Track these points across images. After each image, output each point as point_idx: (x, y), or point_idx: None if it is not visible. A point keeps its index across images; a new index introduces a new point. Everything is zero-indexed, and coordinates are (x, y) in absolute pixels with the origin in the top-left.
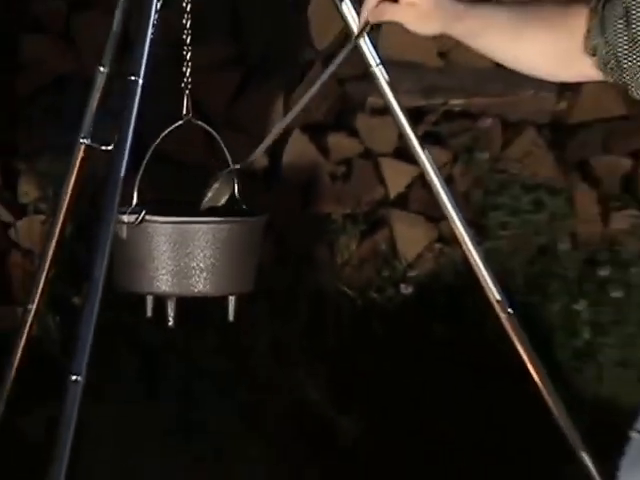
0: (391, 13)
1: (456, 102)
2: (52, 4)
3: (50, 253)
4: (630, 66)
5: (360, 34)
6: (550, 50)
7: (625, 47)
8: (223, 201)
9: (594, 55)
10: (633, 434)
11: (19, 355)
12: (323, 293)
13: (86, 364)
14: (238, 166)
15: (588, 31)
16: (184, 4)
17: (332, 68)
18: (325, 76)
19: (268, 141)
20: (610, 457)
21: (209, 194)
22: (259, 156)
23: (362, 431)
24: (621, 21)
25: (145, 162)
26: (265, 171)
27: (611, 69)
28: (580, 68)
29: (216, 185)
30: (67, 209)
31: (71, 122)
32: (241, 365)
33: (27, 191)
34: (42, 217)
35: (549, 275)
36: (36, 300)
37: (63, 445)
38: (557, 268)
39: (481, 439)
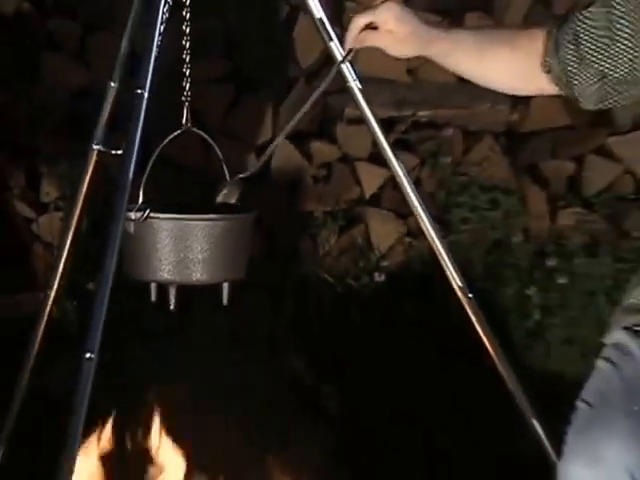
0: (372, 39)
1: (423, 113)
2: (68, 25)
3: (67, 245)
4: (579, 82)
5: (345, 58)
6: (512, 68)
7: (575, 66)
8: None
9: (549, 72)
10: (579, 404)
11: (40, 334)
12: (307, 280)
13: (98, 343)
14: (242, 175)
15: (544, 52)
16: (184, 27)
17: (322, 88)
18: (316, 95)
19: (268, 154)
20: (558, 424)
21: (219, 198)
22: (259, 168)
23: (343, 400)
24: (571, 45)
25: (150, 166)
26: (256, 174)
27: (564, 84)
28: (538, 84)
29: (225, 191)
30: (82, 207)
31: (86, 130)
32: (235, 344)
33: (48, 191)
34: (61, 214)
35: (503, 264)
36: (55, 286)
37: (79, 412)
38: (510, 258)
39: (445, 407)
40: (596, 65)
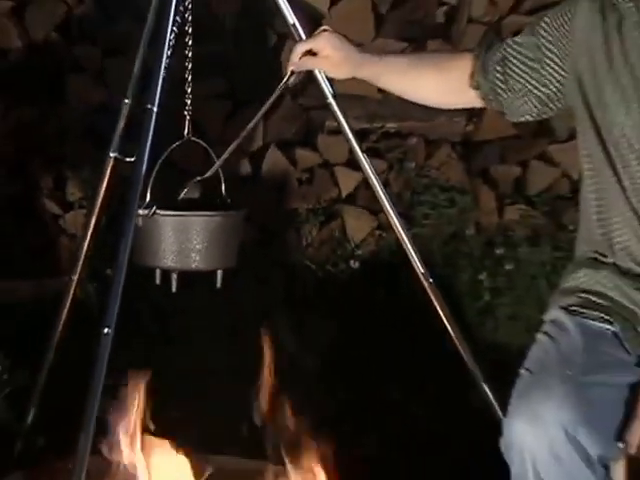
0: (311, 63)
1: (390, 125)
2: (90, 51)
3: (88, 237)
4: (505, 98)
5: (286, 81)
6: (442, 86)
7: (501, 85)
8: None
9: (477, 89)
10: (522, 371)
11: (66, 312)
12: (293, 266)
13: (115, 320)
14: (200, 178)
15: (473, 72)
16: (187, 52)
17: (267, 105)
18: (263, 111)
19: (223, 159)
20: (504, 387)
21: (182, 195)
22: (215, 170)
23: (323, 363)
24: (498, 66)
25: (156, 170)
26: (249, 176)
27: (490, 100)
28: (466, 99)
29: (187, 189)
30: (101, 205)
31: (104, 140)
32: (229, 322)
33: (73, 192)
34: (83, 211)
35: (459, 254)
36: (78, 272)
37: (97, 380)
38: (465, 248)
39: (409, 374)
40: (523, 84)
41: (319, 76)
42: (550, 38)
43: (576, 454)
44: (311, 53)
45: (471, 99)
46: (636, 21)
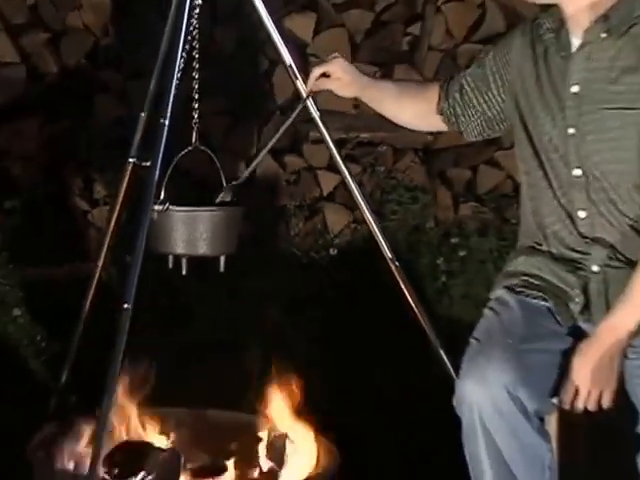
0: (325, 84)
1: (364, 136)
2: (114, 74)
3: (111, 229)
4: (462, 122)
5: (308, 97)
6: (416, 112)
7: (459, 110)
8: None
9: (441, 114)
10: (471, 340)
11: (92, 292)
12: (282, 253)
13: (133, 297)
14: (235, 182)
15: (438, 100)
16: (194, 74)
17: (291, 118)
18: (287, 123)
19: (252, 167)
20: (457, 354)
21: (219, 199)
22: (246, 177)
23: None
24: (457, 94)
25: (169, 173)
26: (248, 178)
27: (452, 123)
28: (433, 122)
29: (223, 194)
30: (122, 202)
31: (125, 148)
32: (229, 299)
33: (99, 191)
34: (107, 207)
35: (420, 242)
36: (102, 258)
37: (119, 348)
38: (425, 238)
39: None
40: (476, 109)
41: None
42: (494, 69)
43: (516, 408)
44: (325, 76)
45: (437, 123)
46: (557, 49)
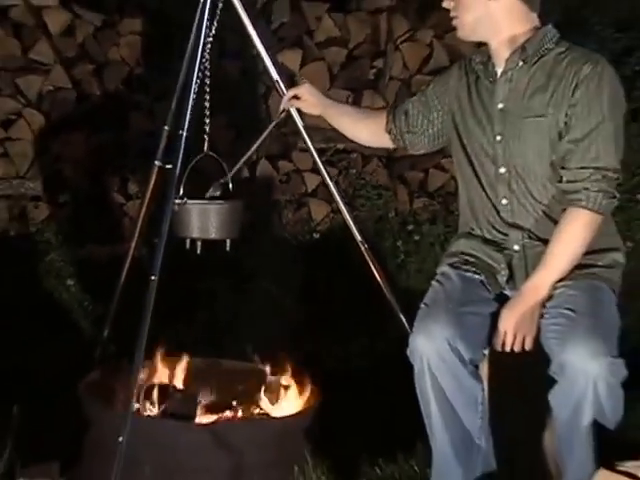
0: (295, 104)
1: (339, 145)
2: (144, 96)
3: (142, 218)
4: (407, 138)
5: (280, 115)
6: (370, 131)
7: (405, 130)
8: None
9: (390, 134)
10: (422, 305)
11: (127, 268)
12: (276, 237)
13: (158, 271)
14: (222, 180)
15: (387, 122)
16: (206, 96)
17: (269, 128)
18: (267, 132)
19: (237, 167)
20: (412, 317)
21: (210, 192)
22: (231, 176)
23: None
24: (403, 116)
25: (186, 174)
26: (248, 178)
27: (398, 140)
28: (385, 141)
29: (212, 189)
30: (150, 197)
31: (152, 154)
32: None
33: (132, 188)
34: (139, 201)
35: (384, 229)
36: (135, 240)
37: (147, 311)
38: (387, 225)
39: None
40: (419, 127)
41: (294, 114)
42: (435, 96)
43: (455, 357)
44: (296, 97)
45: (386, 141)
46: (485, 76)
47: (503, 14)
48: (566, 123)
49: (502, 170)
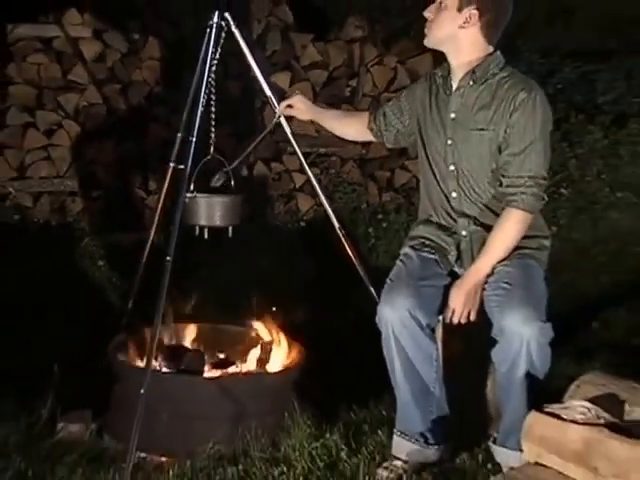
0: (289, 111)
1: (322, 150)
2: (162, 109)
3: (159, 209)
4: (385, 135)
5: (275, 121)
6: (355, 129)
7: (384, 127)
8: (219, 183)
9: (372, 131)
10: (387, 280)
11: (147, 250)
12: (269, 225)
13: (173, 253)
14: (225, 169)
15: (369, 121)
16: (212, 109)
17: (268, 130)
18: (266, 132)
19: (238, 161)
20: (380, 290)
21: (214, 180)
22: (235, 166)
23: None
24: (382, 117)
25: (195, 173)
26: (247, 177)
27: (378, 136)
28: (367, 136)
29: (217, 176)
30: (166, 192)
31: (167, 157)
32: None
33: (152, 184)
34: (157, 195)
35: (358, 218)
36: (154, 228)
37: (163, 286)
38: (361, 215)
39: (328, 283)
40: (394, 126)
41: (285, 124)
42: (407, 101)
43: (415, 323)
44: (290, 106)
45: (368, 136)
46: (443, 89)
47: (466, 41)
48: (504, 138)
49: (451, 168)
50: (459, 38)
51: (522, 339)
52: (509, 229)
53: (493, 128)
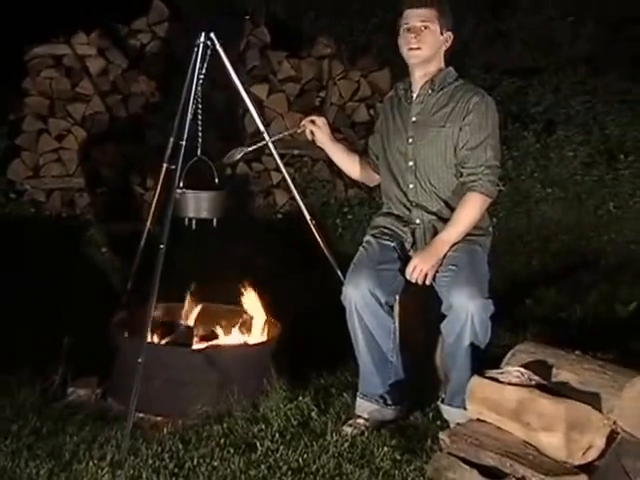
0: (309, 125)
1: (296, 152)
2: (159, 118)
3: (154, 203)
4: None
5: (298, 128)
6: (362, 174)
7: (381, 156)
8: (231, 160)
9: (378, 174)
10: (352, 263)
11: (144, 238)
12: (249, 217)
13: (166, 240)
14: (243, 148)
15: (374, 167)
16: (199, 116)
17: (281, 135)
18: (282, 135)
19: (253, 148)
20: (345, 272)
21: (227, 156)
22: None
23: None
24: (372, 155)
25: (184, 173)
26: (230, 175)
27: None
28: (374, 178)
29: (231, 153)
30: (160, 189)
31: (161, 158)
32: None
33: (149, 182)
34: (153, 191)
35: (327, 211)
36: (149, 219)
37: (157, 270)
38: (329, 208)
39: (300, 267)
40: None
41: (263, 130)
42: (378, 134)
43: (375, 301)
44: (313, 122)
45: (375, 178)
46: (405, 98)
47: (439, 58)
48: (460, 136)
49: (410, 163)
50: (438, 55)
51: (467, 313)
52: (471, 208)
53: (450, 126)
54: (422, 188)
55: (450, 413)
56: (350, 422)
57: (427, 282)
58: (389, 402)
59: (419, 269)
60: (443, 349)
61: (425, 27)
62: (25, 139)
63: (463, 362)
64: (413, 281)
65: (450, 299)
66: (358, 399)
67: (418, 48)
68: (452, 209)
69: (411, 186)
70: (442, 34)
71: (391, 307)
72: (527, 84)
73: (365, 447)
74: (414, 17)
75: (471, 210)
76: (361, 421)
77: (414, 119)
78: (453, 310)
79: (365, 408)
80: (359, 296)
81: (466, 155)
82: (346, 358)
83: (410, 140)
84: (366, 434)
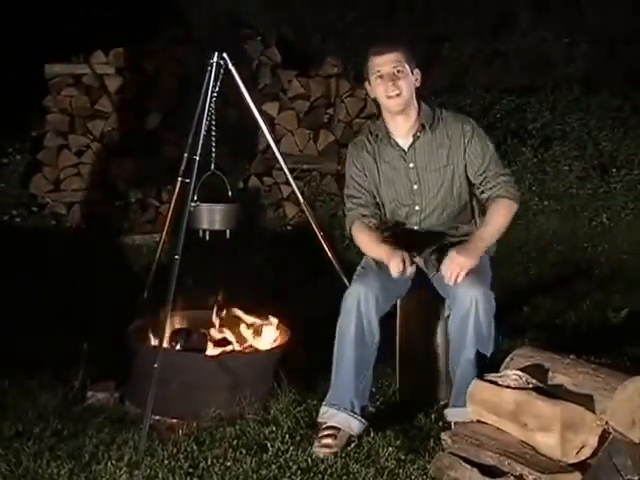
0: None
1: (305, 166)
2: (171, 134)
3: (169, 215)
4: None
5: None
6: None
7: (374, 211)
8: None
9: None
10: (359, 268)
11: (160, 249)
12: (261, 228)
13: (180, 252)
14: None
15: (377, 222)
16: (212, 132)
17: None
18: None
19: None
20: (351, 278)
21: None
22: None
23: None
24: (369, 216)
25: (198, 186)
26: (243, 189)
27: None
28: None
29: None
30: (175, 202)
31: (176, 172)
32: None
33: (164, 195)
34: (168, 204)
35: (334, 223)
36: (165, 230)
37: (172, 276)
38: (337, 220)
39: (308, 271)
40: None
41: (274, 146)
42: (357, 179)
43: (374, 299)
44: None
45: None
46: (386, 144)
47: (414, 96)
48: (467, 167)
49: (417, 208)
50: (413, 95)
51: (471, 300)
52: (500, 211)
53: (452, 162)
54: (429, 209)
55: (454, 413)
56: (318, 443)
57: (459, 280)
58: (357, 412)
59: (457, 263)
60: (446, 353)
61: (398, 71)
62: (46, 154)
63: (467, 360)
64: (448, 277)
65: (455, 290)
66: (326, 407)
67: (398, 95)
68: (454, 237)
69: (417, 207)
70: (412, 73)
71: (381, 319)
72: (525, 102)
73: (370, 447)
74: (384, 64)
75: (501, 213)
76: (329, 440)
77: (411, 165)
78: (457, 298)
79: (332, 415)
80: (362, 293)
81: (483, 177)
82: None
83: (415, 186)
84: (351, 446)
